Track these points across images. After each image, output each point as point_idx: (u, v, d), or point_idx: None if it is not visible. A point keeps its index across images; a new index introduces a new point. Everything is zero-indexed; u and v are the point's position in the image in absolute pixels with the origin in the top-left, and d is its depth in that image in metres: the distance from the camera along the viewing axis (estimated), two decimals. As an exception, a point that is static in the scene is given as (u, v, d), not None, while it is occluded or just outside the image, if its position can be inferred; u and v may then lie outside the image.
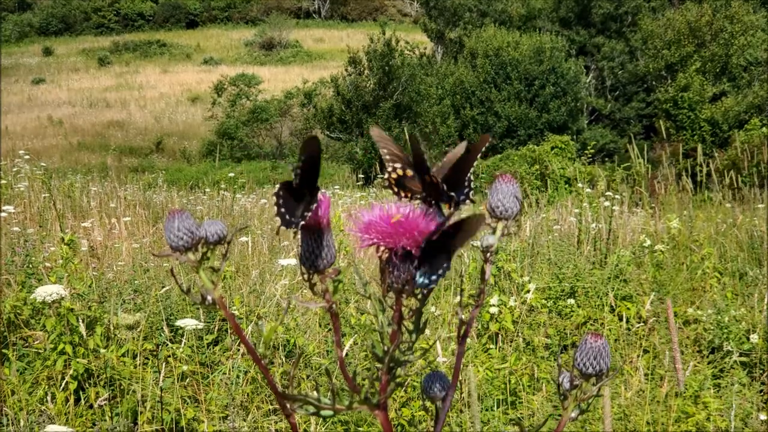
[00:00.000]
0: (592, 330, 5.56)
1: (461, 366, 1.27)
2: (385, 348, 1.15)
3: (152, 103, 49.54)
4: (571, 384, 1.22)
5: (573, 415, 1.22)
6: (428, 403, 1.34)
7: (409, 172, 1.27)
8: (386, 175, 1.26)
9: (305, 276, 1.15)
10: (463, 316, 1.27)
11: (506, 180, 1.24)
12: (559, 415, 3.90)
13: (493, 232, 1.24)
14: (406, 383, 4.20)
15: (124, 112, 46.71)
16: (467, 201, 1.24)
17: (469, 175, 1.24)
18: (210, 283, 1.14)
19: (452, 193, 1.22)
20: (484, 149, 1.24)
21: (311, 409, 1.13)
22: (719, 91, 31.06)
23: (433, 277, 1.15)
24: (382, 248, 1.15)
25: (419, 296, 1.18)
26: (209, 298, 1.14)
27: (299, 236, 1.16)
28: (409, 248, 1.13)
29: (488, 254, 1.22)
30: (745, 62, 31.86)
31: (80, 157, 34.27)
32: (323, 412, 1.13)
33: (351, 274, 6.05)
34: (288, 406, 1.14)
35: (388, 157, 1.29)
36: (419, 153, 1.23)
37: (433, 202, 1.24)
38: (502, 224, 1.24)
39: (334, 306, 1.15)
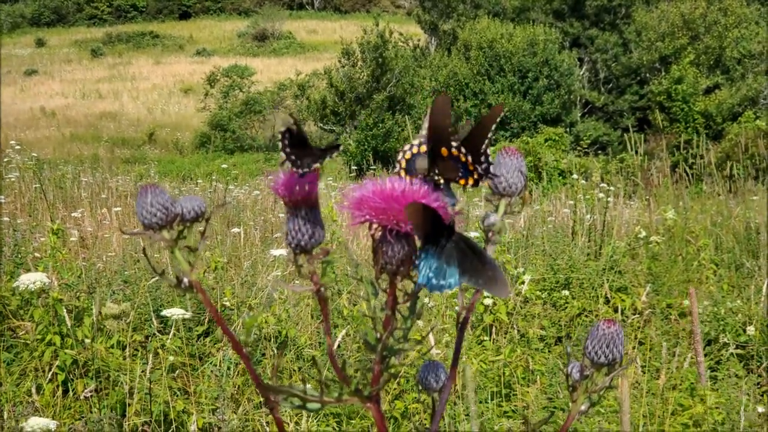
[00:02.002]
0: (586, 322, 5.52)
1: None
2: (378, 335, 1.07)
3: (145, 95, 49.42)
4: (581, 374, 1.13)
5: (583, 408, 1.14)
6: (423, 396, 1.24)
7: (424, 148, 1.18)
8: (399, 156, 1.17)
9: (291, 257, 1.07)
10: (463, 301, 1.19)
11: (510, 153, 1.15)
12: (554, 408, 3.82)
13: (496, 210, 1.16)
14: (399, 374, 4.13)
15: (116, 104, 46.59)
16: (486, 177, 1.14)
17: (484, 148, 1.14)
18: (186, 264, 1.06)
19: (475, 167, 1.12)
20: (498, 120, 1.15)
21: (297, 401, 1.05)
22: (713, 84, 31.05)
23: (451, 281, 1.06)
24: (375, 226, 1.06)
25: (415, 278, 1.09)
26: (185, 280, 1.06)
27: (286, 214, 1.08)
28: (404, 225, 1.04)
29: (491, 234, 1.14)
30: (739, 55, 31.84)
31: (72, 149, 34.17)
32: (309, 405, 1.05)
33: (343, 264, 6.00)
34: (272, 398, 1.06)
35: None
36: (440, 119, 1.14)
37: (442, 181, 1.14)
38: (506, 201, 1.15)
39: (322, 289, 1.06)
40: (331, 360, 1.06)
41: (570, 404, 1.13)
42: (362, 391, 1.06)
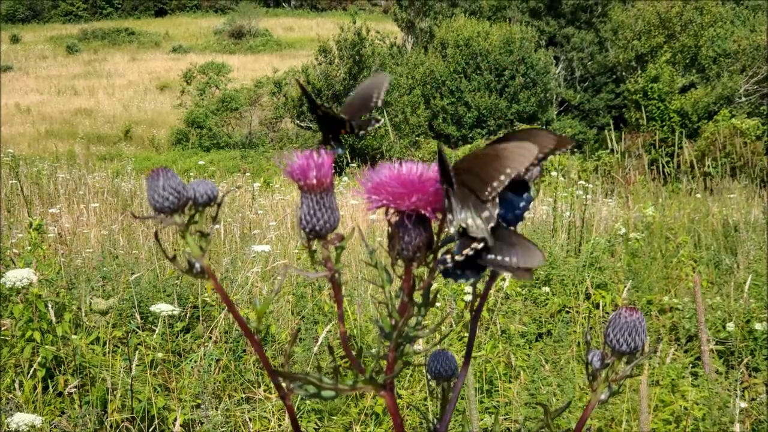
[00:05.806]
0: (566, 318, 5.53)
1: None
2: (393, 322, 1.05)
3: (120, 91, 49.16)
4: (601, 362, 1.12)
5: (603, 397, 1.13)
6: (433, 384, 1.23)
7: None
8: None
9: (305, 242, 1.05)
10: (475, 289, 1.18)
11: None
12: (537, 404, 3.82)
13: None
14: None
15: (92, 100, 46.32)
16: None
17: (490, 189, 1.03)
18: (198, 249, 1.04)
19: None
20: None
21: (311, 389, 1.03)
22: (689, 82, 31.19)
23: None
24: (391, 211, 1.05)
25: (431, 265, 1.07)
26: (197, 265, 1.04)
27: (299, 198, 1.07)
28: (422, 210, 1.03)
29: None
30: (714, 54, 31.99)
31: (48, 145, 33.91)
32: (324, 393, 1.03)
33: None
34: (284, 386, 1.05)
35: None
36: (442, 159, 1.07)
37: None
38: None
39: (336, 275, 1.05)
40: (344, 347, 1.04)
41: (590, 393, 1.12)
42: (376, 379, 1.04)
